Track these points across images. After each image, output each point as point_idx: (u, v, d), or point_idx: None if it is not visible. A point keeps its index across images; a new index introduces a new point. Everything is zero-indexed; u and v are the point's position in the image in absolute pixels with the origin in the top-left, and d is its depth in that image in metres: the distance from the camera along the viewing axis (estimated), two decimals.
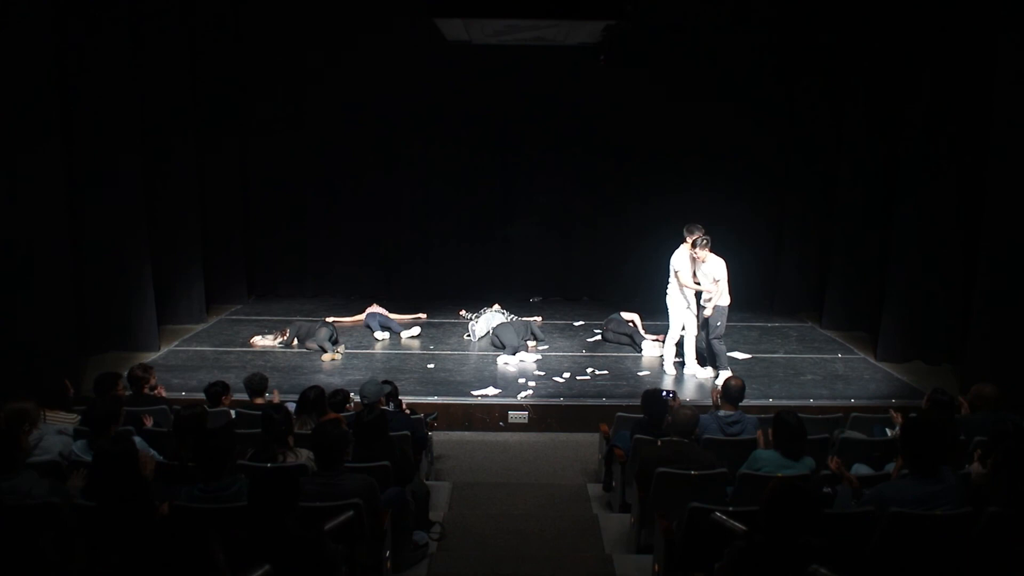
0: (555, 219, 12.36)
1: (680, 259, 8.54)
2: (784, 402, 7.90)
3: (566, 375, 8.87)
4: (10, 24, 7.43)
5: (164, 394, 6.92)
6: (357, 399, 6.77)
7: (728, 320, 10.41)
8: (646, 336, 9.93)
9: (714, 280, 8.36)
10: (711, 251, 8.34)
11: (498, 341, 9.74)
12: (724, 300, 8.44)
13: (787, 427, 4.87)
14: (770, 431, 5.05)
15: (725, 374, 8.47)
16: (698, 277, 8.56)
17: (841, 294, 10.95)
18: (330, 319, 10.53)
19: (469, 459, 7.41)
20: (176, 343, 9.97)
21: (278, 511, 3.43)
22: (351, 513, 3.99)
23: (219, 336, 10.36)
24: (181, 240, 10.61)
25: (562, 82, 11.65)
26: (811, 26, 10.96)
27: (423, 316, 11.24)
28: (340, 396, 6.44)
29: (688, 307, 8.73)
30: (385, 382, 6.70)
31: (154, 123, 9.85)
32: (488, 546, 5.33)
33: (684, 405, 5.63)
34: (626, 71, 11.31)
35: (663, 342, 9.84)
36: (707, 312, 8.45)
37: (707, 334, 8.59)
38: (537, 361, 9.36)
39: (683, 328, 8.84)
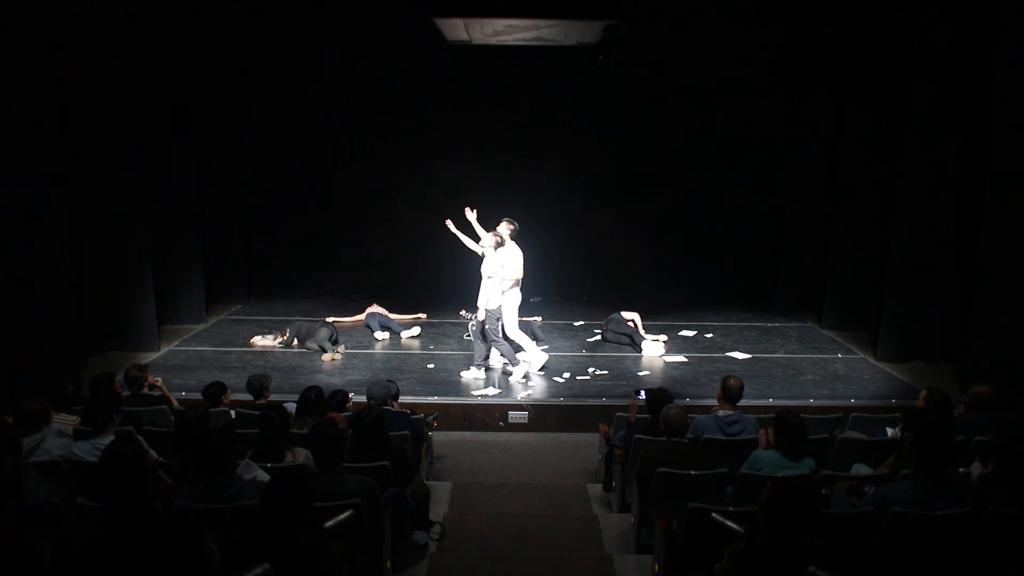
0: (555, 219, 12.34)
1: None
2: (784, 402, 7.88)
3: (566, 375, 8.87)
4: (11, 24, 7.42)
5: (164, 388, 6.91)
6: (357, 399, 6.77)
7: (729, 320, 10.35)
8: (646, 336, 9.92)
9: (487, 276, 8.30)
10: (508, 245, 8.35)
11: None
12: (491, 303, 8.34)
13: (789, 427, 4.86)
14: (771, 431, 5.04)
15: (519, 370, 8.56)
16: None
17: (841, 294, 10.94)
18: (330, 319, 10.53)
19: (469, 459, 7.40)
20: (176, 343, 9.96)
21: (296, 511, 3.41)
22: (351, 512, 3.98)
23: (219, 336, 10.36)
24: (181, 240, 10.61)
25: (562, 82, 11.64)
26: (812, 26, 10.94)
27: (423, 316, 11.24)
28: (340, 396, 6.43)
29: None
30: (389, 381, 6.70)
31: (154, 123, 9.83)
32: (488, 546, 5.33)
33: (673, 405, 5.60)
34: (626, 71, 11.31)
35: (663, 342, 9.85)
36: (480, 316, 8.40)
37: (485, 339, 8.53)
38: None
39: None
